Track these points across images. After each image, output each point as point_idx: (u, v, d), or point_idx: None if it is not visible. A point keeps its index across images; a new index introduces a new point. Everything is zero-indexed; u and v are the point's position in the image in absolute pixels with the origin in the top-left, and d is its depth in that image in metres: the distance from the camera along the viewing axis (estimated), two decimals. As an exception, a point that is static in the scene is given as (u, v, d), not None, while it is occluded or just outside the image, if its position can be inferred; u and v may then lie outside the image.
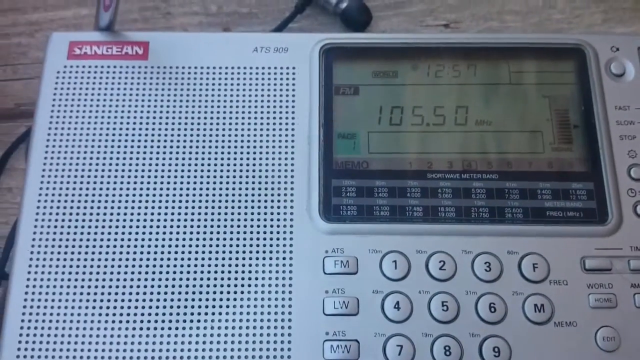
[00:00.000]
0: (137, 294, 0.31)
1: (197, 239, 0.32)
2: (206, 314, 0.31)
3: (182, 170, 0.33)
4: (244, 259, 0.32)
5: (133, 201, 0.33)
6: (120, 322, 0.30)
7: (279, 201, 0.33)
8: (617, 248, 0.32)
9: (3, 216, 0.39)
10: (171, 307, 0.31)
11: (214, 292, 0.31)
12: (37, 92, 0.35)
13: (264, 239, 0.32)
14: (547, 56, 0.36)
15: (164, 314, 0.31)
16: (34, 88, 0.41)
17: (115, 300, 0.31)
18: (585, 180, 0.33)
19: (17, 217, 0.33)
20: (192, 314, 0.31)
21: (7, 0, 0.44)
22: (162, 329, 0.30)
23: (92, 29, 0.37)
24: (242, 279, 0.31)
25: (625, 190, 0.33)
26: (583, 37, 0.37)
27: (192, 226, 0.32)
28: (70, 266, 0.31)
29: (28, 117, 0.41)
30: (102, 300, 0.31)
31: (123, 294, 0.31)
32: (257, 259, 0.32)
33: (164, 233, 0.32)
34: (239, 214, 0.32)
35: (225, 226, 0.32)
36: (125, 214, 0.32)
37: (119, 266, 0.31)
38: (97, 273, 0.31)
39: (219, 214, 0.32)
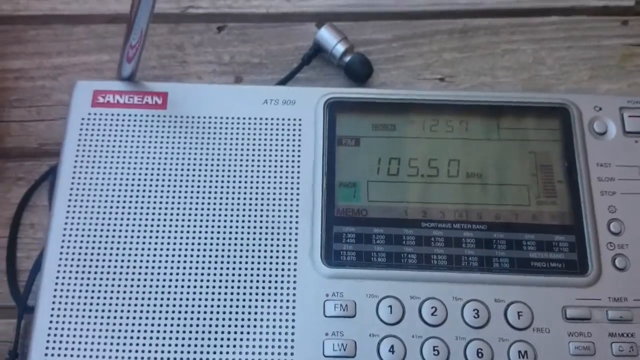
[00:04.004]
0: (146, 331, 0.32)
1: (202, 281, 0.34)
2: (208, 352, 0.32)
3: (195, 215, 0.35)
4: (249, 300, 0.33)
5: (149, 242, 0.35)
6: (136, 358, 0.32)
7: (284, 246, 0.35)
8: (596, 299, 0.34)
9: (24, 251, 0.40)
10: (176, 344, 0.32)
11: (216, 332, 0.32)
12: (63, 136, 0.37)
13: (269, 281, 0.34)
14: (533, 114, 0.38)
15: (169, 351, 0.32)
16: (56, 129, 0.43)
17: (139, 338, 0.32)
18: (568, 233, 0.35)
19: (43, 254, 0.34)
20: (194, 359, 0.32)
21: (32, 45, 0.46)
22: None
23: (112, 74, 0.39)
24: (247, 319, 0.33)
25: (605, 244, 0.35)
26: (568, 96, 0.39)
27: (197, 267, 0.34)
28: (91, 304, 0.33)
29: (50, 156, 0.42)
30: (125, 337, 0.32)
31: (139, 331, 0.33)
32: (262, 300, 0.33)
33: (175, 274, 0.34)
34: (247, 257, 0.34)
35: (234, 268, 0.34)
36: (142, 254, 0.34)
37: (136, 304, 0.33)
38: (121, 311, 0.33)
39: (228, 257, 0.34)
